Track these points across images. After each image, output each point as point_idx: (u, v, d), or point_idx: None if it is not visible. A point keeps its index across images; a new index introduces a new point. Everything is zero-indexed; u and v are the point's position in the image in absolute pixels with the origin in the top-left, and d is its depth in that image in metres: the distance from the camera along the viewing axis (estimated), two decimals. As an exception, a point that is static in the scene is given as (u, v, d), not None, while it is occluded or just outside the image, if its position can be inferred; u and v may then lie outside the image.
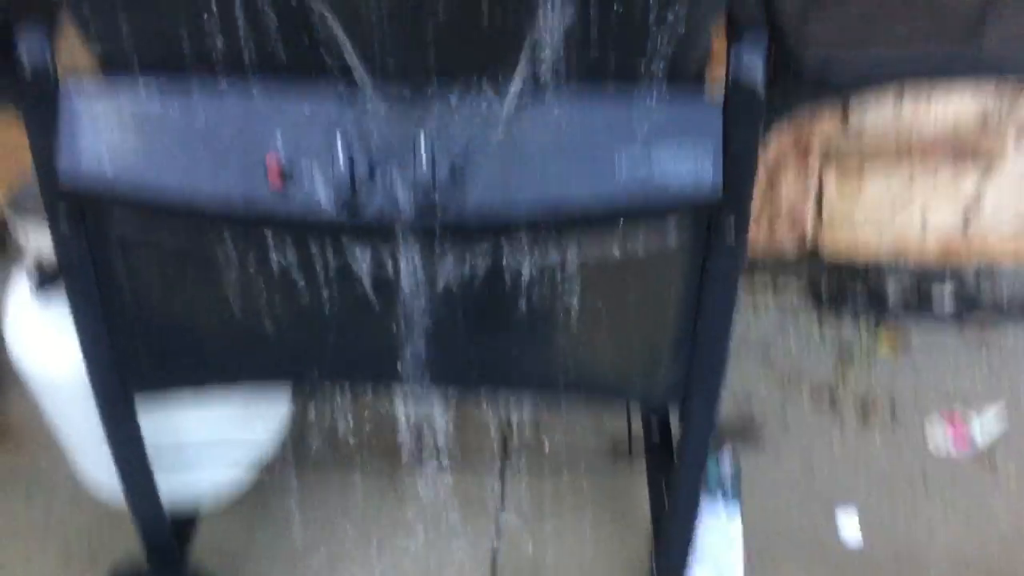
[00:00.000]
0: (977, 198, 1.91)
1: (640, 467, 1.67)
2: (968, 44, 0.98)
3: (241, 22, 0.91)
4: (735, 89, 0.96)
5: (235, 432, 1.44)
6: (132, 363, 1.17)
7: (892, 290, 2.08)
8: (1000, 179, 1.88)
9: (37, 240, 1.27)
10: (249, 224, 1.03)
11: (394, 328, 1.11)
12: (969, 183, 1.89)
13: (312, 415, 1.69)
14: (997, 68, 0.96)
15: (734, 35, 0.95)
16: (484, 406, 1.75)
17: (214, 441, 1.42)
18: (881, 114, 1.80)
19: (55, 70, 0.97)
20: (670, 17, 0.91)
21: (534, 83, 0.96)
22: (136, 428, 1.25)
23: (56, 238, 1.06)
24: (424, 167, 0.95)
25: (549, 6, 0.88)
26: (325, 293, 1.09)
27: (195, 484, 1.47)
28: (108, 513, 1.54)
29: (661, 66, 0.96)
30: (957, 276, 2.05)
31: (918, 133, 1.83)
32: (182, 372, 1.20)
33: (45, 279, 1.29)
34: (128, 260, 1.09)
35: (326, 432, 1.66)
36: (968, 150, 1.84)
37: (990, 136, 1.83)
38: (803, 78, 0.92)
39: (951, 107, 1.79)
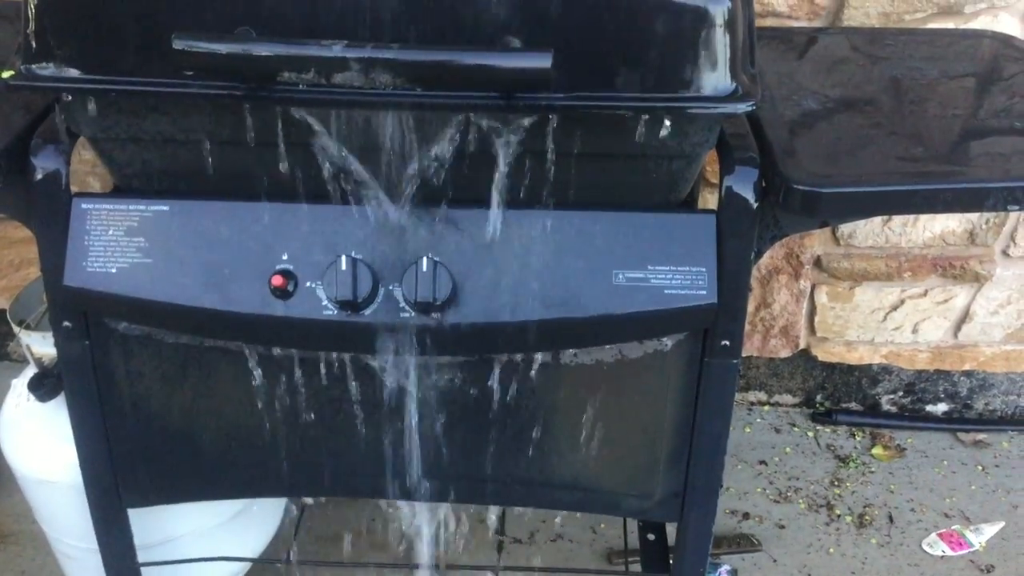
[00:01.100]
0: (966, 310, 1.95)
1: (637, 575, 1.66)
2: (953, 177, 1.02)
3: (253, 152, 0.95)
4: (727, 212, 1.00)
5: (227, 526, 1.43)
6: (130, 477, 1.18)
7: (885, 399, 2.10)
8: (988, 291, 1.92)
9: (37, 345, 1.29)
10: (250, 336, 1.06)
11: (391, 443, 1.13)
12: (958, 295, 1.93)
13: (308, 512, 1.68)
14: (981, 200, 1.00)
15: (726, 166, 0.99)
16: (480, 509, 1.75)
17: (205, 534, 1.41)
18: (871, 231, 1.85)
19: (68, 185, 1.00)
20: (664, 147, 0.95)
21: (535, 204, 1.00)
22: (128, 537, 1.25)
23: (59, 344, 1.08)
24: (426, 285, 0.98)
25: (548, 138, 0.93)
26: (323, 409, 1.10)
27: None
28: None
29: (656, 189, 1.01)
30: (949, 384, 2.08)
31: (907, 249, 1.87)
32: (179, 487, 1.20)
33: (44, 385, 1.30)
34: (129, 370, 1.11)
35: (321, 529, 1.66)
36: (956, 264, 1.88)
37: (978, 250, 1.88)
38: (792, 208, 0.96)
39: (938, 223, 1.84)
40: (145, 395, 1.12)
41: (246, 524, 1.44)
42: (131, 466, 1.17)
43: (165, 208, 1.01)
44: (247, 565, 1.49)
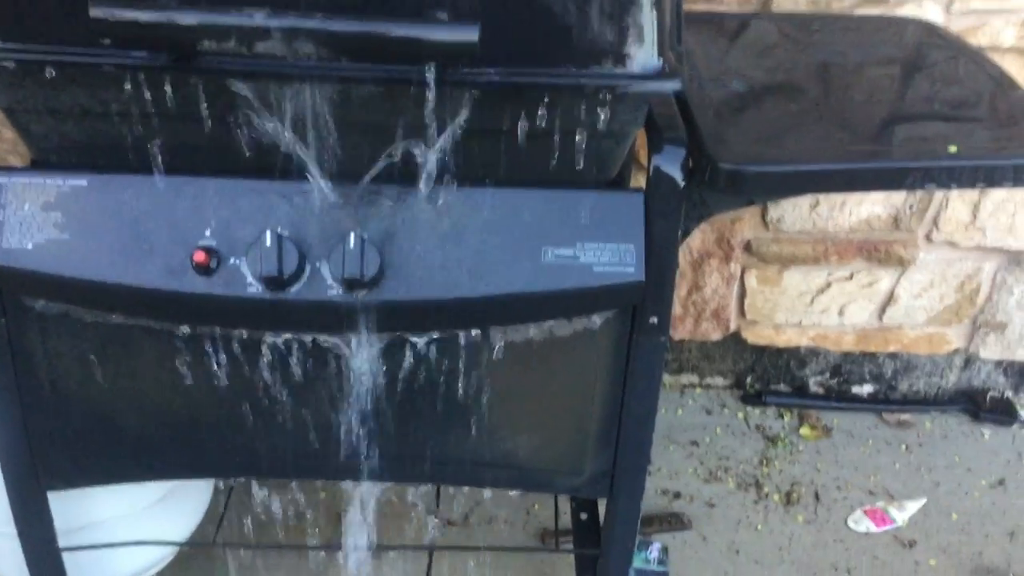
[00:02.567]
0: (891, 293, 1.99)
1: (568, 552, 1.67)
2: (875, 157, 1.04)
3: (175, 122, 0.93)
4: (655, 191, 1.01)
5: (153, 509, 1.41)
6: (49, 459, 1.15)
7: (813, 380, 2.15)
8: (912, 274, 1.97)
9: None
10: (172, 315, 1.04)
11: (316, 423, 1.12)
12: (883, 279, 1.98)
13: (236, 495, 1.66)
14: (900, 179, 1.02)
15: (654, 145, 1.00)
16: (412, 488, 1.75)
17: (130, 518, 1.38)
18: (799, 215, 1.88)
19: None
20: (592, 125, 0.95)
21: (464, 181, 0.99)
22: (49, 521, 1.22)
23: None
24: (353, 262, 0.97)
25: (475, 114, 0.92)
26: (248, 389, 1.09)
27: (108, 564, 1.42)
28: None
29: (585, 167, 1.01)
30: (875, 366, 2.13)
31: (834, 233, 1.91)
32: (101, 469, 1.18)
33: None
34: (47, 349, 1.08)
35: (248, 509, 1.64)
36: (881, 248, 1.93)
37: (902, 235, 1.92)
38: (718, 186, 0.97)
39: (864, 208, 1.88)
40: (64, 375, 1.09)
41: (172, 508, 1.41)
42: (50, 448, 1.14)
43: (83, 183, 0.98)
44: (174, 549, 1.47)
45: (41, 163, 1.00)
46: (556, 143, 0.98)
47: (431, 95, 0.90)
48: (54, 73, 0.90)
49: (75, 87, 0.92)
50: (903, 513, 1.86)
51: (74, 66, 0.89)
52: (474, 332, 1.07)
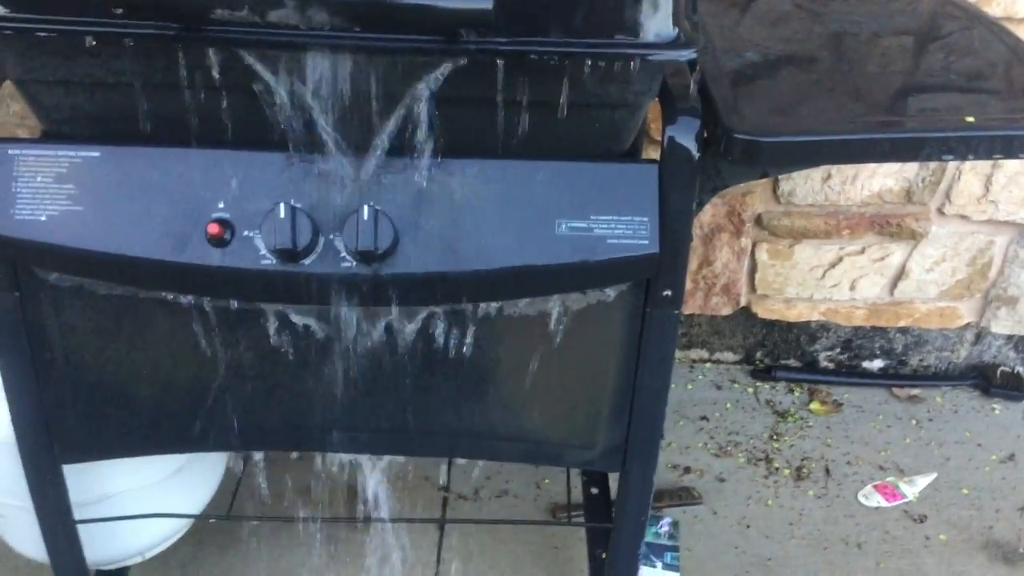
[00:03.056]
0: (902, 267, 1.99)
1: (580, 526, 1.68)
2: (889, 127, 1.04)
3: (188, 92, 0.93)
4: (670, 162, 1.00)
5: (167, 482, 1.41)
6: (64, 432, 1.16)
7: (823, 356, 2.14)
8: (924, 248, 1.96)
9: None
10: (186, 287, 1.04)
11: (332, 396, 1.12)
12: (895, 252, 1.97)
13: (249, 467, 1.67)
14: (916, 150, 1.02)
15: (669, 115, 0.99)
16: (424, 462, 1.76)
17: (144, 491, 1.39)
18: (811, 188, 1.87)
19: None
20: (607, 95, 0.95)
21: (478, 153, 0.99)
22: (64, 494, 1.23)
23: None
24: (367, 234, 0.97)
25: (490, 84, 0.92)
26: (263, 361, 1.09)
27: (123, 536, 1.43)
28: (31, 567, 1.49)
29: (600, 138, 1.01)
30: (885, 341, 2.12)
31: (845, 207, 1.90)
32: (116, 442, 1.18)
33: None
34: (61, 322, 1.08)
35: (262, 485, 1.64)
36: (893, 222, 1.92)
37: (914, 208, 1.91)
38: (732, 157, 0.96)
39: (876, 181, 1.87)
40: (78, 348, 1.10)
41: (186, 481, 1.42)
42: (65, 421, 1.15)
43: (96, 154, 0.98)
44: (188, 522, 1.47)
45: (53, 135, 1.00)
46: (570, 114, 0.97)
47: (445, 65, 0.89)
48: (65, 43, 0.89)
49: (87, 58, 0.91)
50: (913, 488, 1.86)
51: (86, 36, 0.89)
52: (488, 305, 1.07)
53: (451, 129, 0.96)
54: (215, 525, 1.63)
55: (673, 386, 2.06)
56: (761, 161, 1.00)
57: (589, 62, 0.91)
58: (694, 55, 0.91)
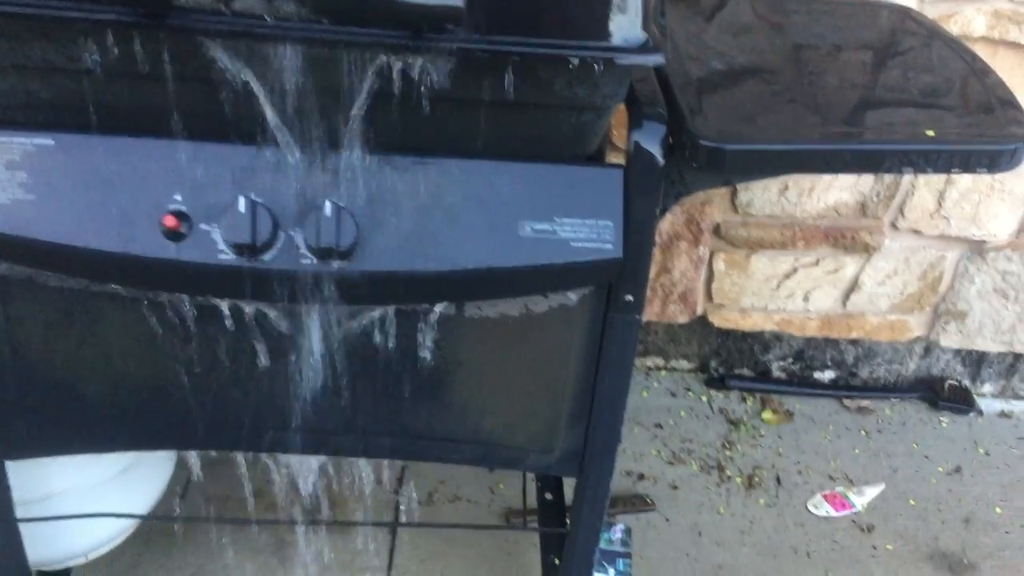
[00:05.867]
0: (855, 279, 2.01)
1: (535, 531, 1.67)
2: (851, 138, 1.05)
3: (146, 84, 0.90)
4: (635, 167, 1.00)
5: (113, 482, 1.38)
6: (8, 427, 1.12)
7: (776, 365, 2.17)
8: (877, 261, 1.99)
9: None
10: (140, 281, 1.01)
11: (286, 395, 1.10)
12: (848, 265, 1.99)
13: (198, 468, 1.64)
14: (878, 162, 1.03)
15: (634, 121, 0.99)
16: (376, 466, 1.74)
17: (89, 490, 1.35)
18: (768, 199, 1.89)
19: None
20: (574, 97, 0.94)
21: (444, 152, 0.98)
22: (5, 490, 1.19)
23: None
24: (329, 230, 0.95)
25: (457, 83, 0.91)
26: (215, 359, 1.07)
27: (66, 537, 1.39)
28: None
29: (565, 141, 1.00)
30: (836, 353, 2.15)
31: (801, 219, 1.93)
32: (61, 438, 1.15)
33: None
34: (9, 314, 1.05)
35: (213, 486, 1.61)
36: (848, 234, 1.94)
37: (868, 222, 1.94)
38: (696, 164, 0.96)
39: (832, 194, 1.90)
40: (26, 341, 1.06)
41: (132, 481, 1.39)
42: (9, 415, 1.11)
43: (50, 142, 0.95)
44: (133, 523, 1.44)
45: (5, 121, 0.97)
46: (537, 115, 0.96)
47: (413, 61, 0.88)
48: (20, 27, 0.87)
49: (43, 42, 0.89)
50: (862, 498, 1.88)
51: (41, 20, 0.86)
52: (449, 306, 1.06)
53: (417, 127, 0.95)
54: (161, 527, 1.59)
55: (629, 393, 2.06)
56: (725, 168, 1.00)
57: (557, 64, 0.90)
58: (661, 60, 0.91)
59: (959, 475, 1.97)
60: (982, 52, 1.70)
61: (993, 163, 1.03)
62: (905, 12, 1.40)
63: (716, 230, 1.95)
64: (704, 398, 2.10)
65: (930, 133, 1.02)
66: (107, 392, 1.11)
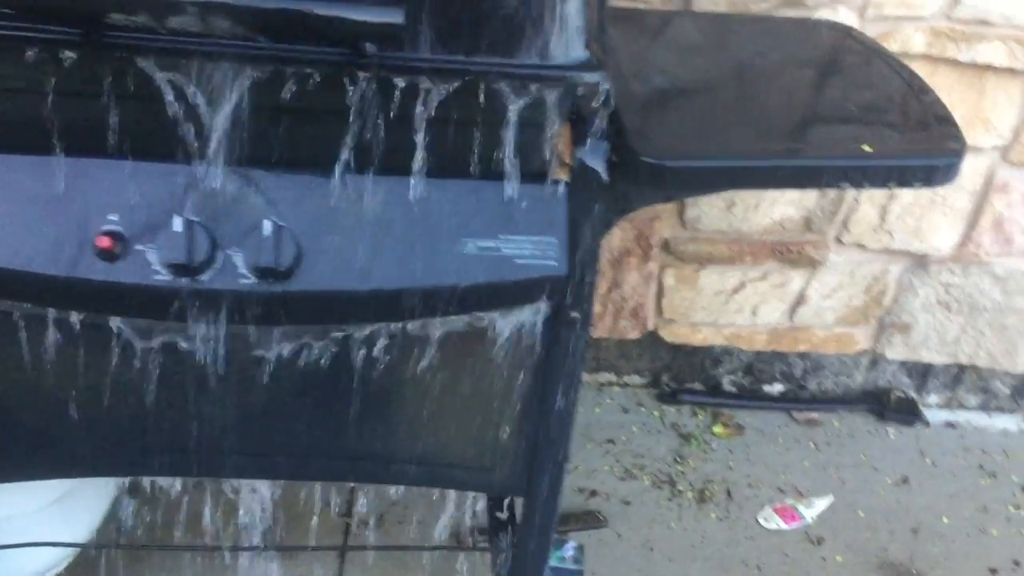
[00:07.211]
0: (801, 293, 2.04)
1: (484, 551, 1.66)
2: (790, 154, 1.06)
3: (79, 103, 0.88)
4: (579, 183, 1.00)
5: (50, 510, 1.34)
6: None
7: (726, 379, 2.18)
8: (822, 275, 2.01)
9: None
10: (72, 303, 0.98)
11: (228, 418, 1.08)
12: (794, 279, 2.02)
13: (139, 496, 1.60)
14: (816, 177, 1.04)
15: (579, 137, 0.99)
16: (325, 489, 1.72)
17: (25, 518, 1.32)
18: (715, 215, 1.91)
19: None
20: (518, 115, 0.94)
21: (386, 170, 0.97)
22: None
23: None
24: (268, 250, 0.94)
25: (398, 100, 0.90)
26: (152, 383, 1.04)
27: (4, 566, 1.35)
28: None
29: (508, 158, 1.00)
30: (785, 366, 2.17)
31: (748, 234, 1.94)
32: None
33: None
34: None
35: (156, 509, 1.58)
36: (793, 249, 1.96)
37: (813, 236, 1.97)
38: (640, 180, 0.97)
39: (777, 209, 1.92)
40: (-46, 366, 1.03)
41: (71, 508, 1.35)
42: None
43: (-16, 160, 0.92)
44: (72, 551, 1.40)
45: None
46: (479, 133, 0.96)
47: (352, 79, 0.87)
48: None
49: (-30, 59, 0.86)
50: (811, 510, 1.90)
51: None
52: (392, 325, 1.05)
53: (357, 144, 0.93)
54: (103, 554, 1.55)
55: (581, 409, 2.05)
56: (666, 184, 1.01)
57: (499, 82, 0.90)
58: (604, 78, 0.91)
59: (907, 486, 1.99)
60: (922, 70, 1.74)
61: (929, 178, 1.05)
62: (846, 31, 1.42)
63: (665, 246, 1.96)
64: (656, 413, 2.11)
65: (868, 149, 1.03)
66: (41, 418, 1.08)
